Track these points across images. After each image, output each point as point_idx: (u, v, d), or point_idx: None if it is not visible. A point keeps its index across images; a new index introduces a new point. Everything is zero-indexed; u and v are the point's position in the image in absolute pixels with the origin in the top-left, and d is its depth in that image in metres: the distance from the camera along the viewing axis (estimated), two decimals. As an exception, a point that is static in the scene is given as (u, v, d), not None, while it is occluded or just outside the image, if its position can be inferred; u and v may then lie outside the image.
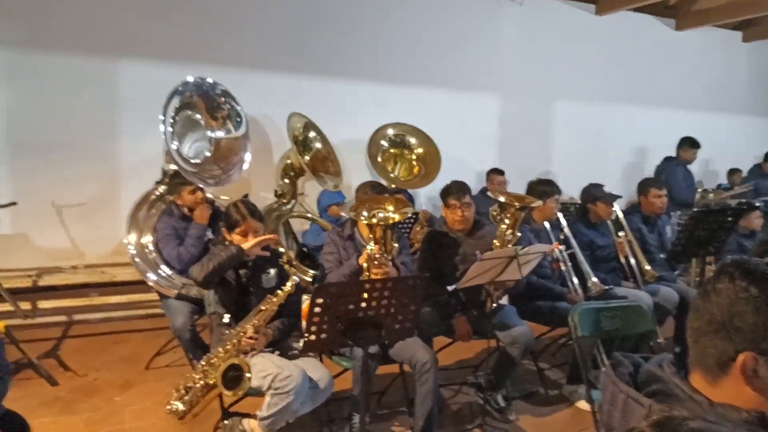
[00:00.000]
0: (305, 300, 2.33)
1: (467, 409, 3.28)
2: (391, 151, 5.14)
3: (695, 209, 3.62)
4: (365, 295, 2.19)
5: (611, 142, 6.58)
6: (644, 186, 3.96)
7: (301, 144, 4.45)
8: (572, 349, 2.94)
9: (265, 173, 4.72)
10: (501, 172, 5.36)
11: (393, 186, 4.94)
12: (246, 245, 2.56)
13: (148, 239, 3.56)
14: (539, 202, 3.22)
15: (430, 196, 5.43)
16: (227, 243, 2.62)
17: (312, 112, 4.77)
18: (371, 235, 2.70)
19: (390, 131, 5.07)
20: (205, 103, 3.90)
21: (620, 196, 3.81)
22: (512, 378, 3.31)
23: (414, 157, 5.17)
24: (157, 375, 3.55)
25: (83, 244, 4.34)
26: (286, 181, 4.43)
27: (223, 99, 4.00)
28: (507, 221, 2.99)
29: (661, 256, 3.79)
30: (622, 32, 6.50)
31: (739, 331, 0.95)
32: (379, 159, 5.04)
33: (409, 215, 2.90)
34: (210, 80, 3.96)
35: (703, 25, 6.59)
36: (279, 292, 2.51)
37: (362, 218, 2.72)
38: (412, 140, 5.12)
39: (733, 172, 6.87)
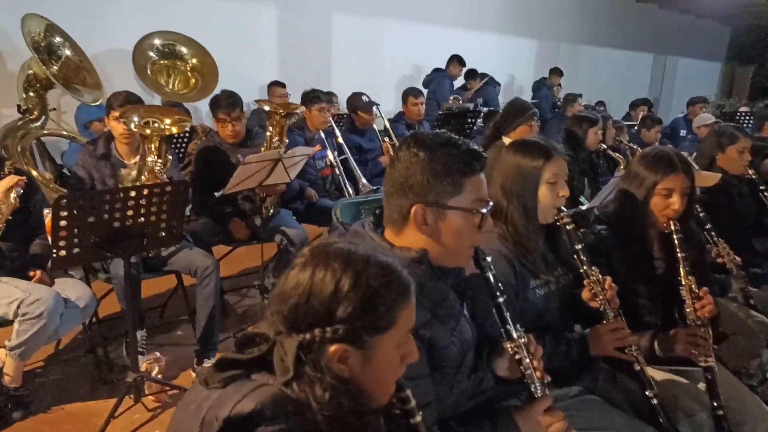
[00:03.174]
0: (47, 214, 2.16)
1: (252, 311, 3.47)
2: (162, 62, 4.77)
3: (440, 112, 4.15)
4: (118, 205, 2.14)
5: (388, 57, 6.97)
6: (404, 95, 4.40)
7: (45, 51, 3.87)
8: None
9: (1, 87, 4.04)
10: (282, 85, 5.38)
11: (167, 100, 4.68)
12: None
13: None
14: (302, 108, 3.36)
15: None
16: None
17: (59, 18, 4.14)
18: (149, 146, 2.58)
19: (157, 41, 4.67)
20: None
21: (378, 104, 4.16)
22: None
23: (189, 68, 4.88)
24: None
25: None
26: (32, 94, 3.86)
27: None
28: (272, 129, 3.09)
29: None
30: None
31: (411, 188, 1.18)
32: (149, 71, 4.66)
33: (187, 128, 2.81)
34: None
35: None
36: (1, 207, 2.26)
37: (133, 124, 2.57)
38: (184, 50, 4.79)
39: (469, 74, 7.42)
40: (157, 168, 2.59)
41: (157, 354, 2.58)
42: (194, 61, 4.78)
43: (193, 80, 4.86)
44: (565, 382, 1.63)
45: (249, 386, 0.80)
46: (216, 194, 2.79)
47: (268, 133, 3.10)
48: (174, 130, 2.68)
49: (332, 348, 0.79)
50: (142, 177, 2.63)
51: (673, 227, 1.80)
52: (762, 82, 13.54)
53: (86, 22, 4.45)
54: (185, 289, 3.15)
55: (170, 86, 4.77)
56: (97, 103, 4.02)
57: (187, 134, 4.10)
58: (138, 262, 2.57)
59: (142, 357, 2.60)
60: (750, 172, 2.64)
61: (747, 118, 5.05)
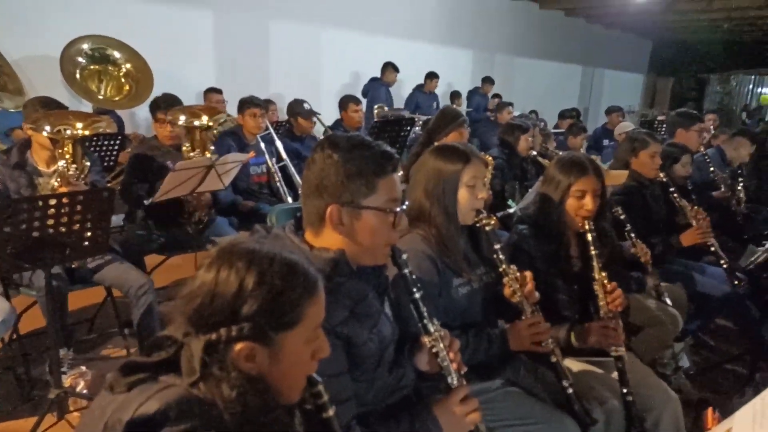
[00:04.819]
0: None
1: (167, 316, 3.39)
2: (92, 67, 4.62)
3: (375, 120, 4.21)
4: (37, 213, 2.05)
5: (326, 65, 7.00)
6: (344, 102, 4.42)
7: (-41, 55, 3.68)
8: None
9: None
10: (219, 91, 5.30)
11: (98, 107, 4.53)
12: None
13: None
14: (235, 117, 3.33)
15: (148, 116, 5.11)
16: None
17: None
18: (60, 150, 2.49)
19: (86, 45, 4.52)
20: None
21: (319, 113, 4.18)
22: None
23: (122, 74, 4.74)
24: None
25: None
26: (-55, 100, 3.65)
27: None
28: (188, 144, 2.99)
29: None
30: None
31: (326, 189, 1.20)
32: (78, 77, 4.50)
33: (101, 129, 2.72)
34: None
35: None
36: None
37: (45, 132, 2.47)
38: (117, 55, 4.67)
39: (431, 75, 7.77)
40: (70, 173, 2.50)
41: (83, 368, 2.49)
42: (128, 66, 4.66)
43: (127, 86, 4.73)
44: (488, 375, 1.70)
45: (154, 388, 0.79)
46: (145, 202, 2.71)
47: (184, 148, 2.99)
48: (86, 133, 2.59)
49: (238, 346, 0.80)
50: (54, 184, 2.53)
51: (587, 226, 1.92)
52: (680, 92, 14.51)
53: (6, 25, 4.26)
54: (115, 301, 3.05)
55: (102, 93, 4.62)
56: (19, 110, 3.83)
57: (117, 142, 3.97)
58: (62, 274, 2.47)
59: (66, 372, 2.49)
60: (661, 175, 2.83)
61: (663, 126, 5.41)
